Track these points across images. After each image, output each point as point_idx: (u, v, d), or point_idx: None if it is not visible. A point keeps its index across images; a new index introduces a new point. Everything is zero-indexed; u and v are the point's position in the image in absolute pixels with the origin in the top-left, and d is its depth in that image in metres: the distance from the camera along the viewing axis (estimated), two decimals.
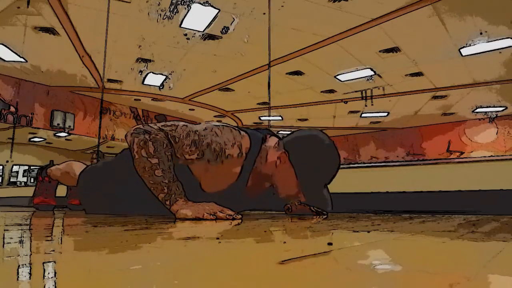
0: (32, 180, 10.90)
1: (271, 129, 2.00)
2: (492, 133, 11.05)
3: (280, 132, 11.41)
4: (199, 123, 1.47)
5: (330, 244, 0.63)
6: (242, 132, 1.45)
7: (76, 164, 2.06)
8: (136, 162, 1.32)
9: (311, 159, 1.42)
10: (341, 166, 2.11)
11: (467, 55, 6.86)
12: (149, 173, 1.30)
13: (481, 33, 6.03)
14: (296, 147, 1.44)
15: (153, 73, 8.09)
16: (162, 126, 1.38)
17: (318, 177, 1.44)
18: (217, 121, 1.48)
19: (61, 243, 0.70)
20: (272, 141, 1.49)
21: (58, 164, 2.24)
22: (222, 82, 8.70)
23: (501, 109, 10.28)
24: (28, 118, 8.63)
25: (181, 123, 1.42)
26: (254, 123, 11.90)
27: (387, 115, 11.05)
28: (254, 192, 1.49)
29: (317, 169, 1.42)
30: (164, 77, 8.37)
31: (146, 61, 7.49)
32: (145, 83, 8.67)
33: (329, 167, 1.45)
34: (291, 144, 1.46)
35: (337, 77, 8.28)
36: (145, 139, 1.31)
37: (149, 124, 1.39)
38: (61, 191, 2.38)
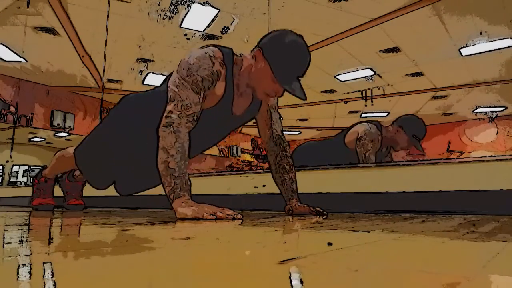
0: (32, 180, 10.89)
1: None
2: (492, 133, 11.05)
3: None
4: (183, 64, 1.48)
5: (330, 244, 0.63)
6: (213, 48, 1.50)
7: (65, 150, 2.08)
8: (160, 151, 1.37)
9: (283, 49, 1.47)
10: (341, 166, 2.11)
11: (467, 55, 6.86)
12: (165, 165, 1.34)
13: (481, 33, 6.03)
14: (269, 42, 1.50)
15: (153, 73, 8.09)
16: (179, 113, 1.41)
17: (291, 66, 1.48)
18: (199, 48, 1.52)
19: (61, 243, 0.70)
20: (246, 54, 1.57)
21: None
22: None
23: (501, 109, 10.28)
24: (28, 118, 8.63)
25: (184, 95, 1.43)
26: (254, 123, 11.89)
27: (387, 115, 11.04)
28: (240, 105, 1.58)
29: (290, 59, 1.47)
30: (164, 77, 8.37)
31: (146, 61, 7.49)
32: (145, 83, 8.67)
33: (301, 57, 1.50)
34: (264, 41, 1.51)
35: (337, 77, 8.28)
36: (170, 131, 1.37)
37: (171, 116, 1.40)
38: (61, 191, 2.38)
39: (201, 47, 1.52)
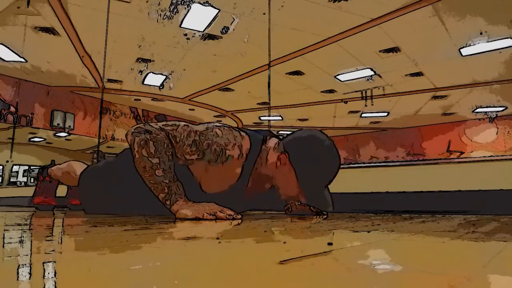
0: (32, 180, 10.90)
1: (271, 129, 2.00)
2: (492, 133, 11.05)
3: (280, 132, 11.42)
4: (200, 124, 1.47)
5: (330, 244, 0.63)
6: (243, 133, 1.45)
7: (77, 164, 2.06)
8: (137, 161, 1.32)
9: (311, 160, 1.41)
10: (341, 166, 2.11)
11: (467, 55, 6.86)
12: (149, 173, 1.30)
13: (481, 33, 6.03)
14: (296, 148, 1.44)
15: (153, 73, 8.09)
16: (163, 125, 1.38)
17: (318, 178, 1.43)
18: (217, 121, 1.46)
19: (61, 243, 0.70)
20: (272, 142, 1.49)
21: (59, 164, 2.25)
22: (222, 82, 8.70)
23: (501, 109, 10.28)
24: (28, 118, 8.63)
25: (182, 123, 1.42)
26: (254, 123, 11.90)
27: (387, 115, 11.05)
28: (254, 193, 1.49)
29: (317, 170, 1.42)
30: (164, 77, 8.37)
31: (146, 61, 7.49)
32: (145, 83, 8.67)
33: (329, 168, 1.45)
34: (291, 145, 1.45)
35: (337, 77, 8.28)
36: (146, 139, 1.31)
37: (150, 124, 1.38)
38: (61, 191, 2.38)
39: (236, 128, 1.45)
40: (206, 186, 1.43)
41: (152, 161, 1.29)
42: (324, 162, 1.44)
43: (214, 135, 1.37)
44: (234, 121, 11.77)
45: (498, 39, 6.22)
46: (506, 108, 10.17)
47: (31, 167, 11.44)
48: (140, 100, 10.11)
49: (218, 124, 1.45)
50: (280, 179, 1.44)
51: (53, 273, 0.40)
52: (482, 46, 6.45)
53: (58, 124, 9.12)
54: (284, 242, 0.74)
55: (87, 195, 1.85)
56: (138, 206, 1.51)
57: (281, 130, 11.84)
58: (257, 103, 9.99)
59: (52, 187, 2.29)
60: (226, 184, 1.43)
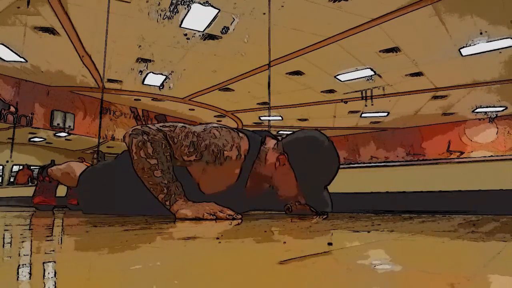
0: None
1: (271, 129, 2.00)
2: (492, 133, 11.06)
3: (280, 132, 11.42)
4: (199, 124, 1.47)
5: (330, 244, 0.63)
6: (241, 134, 1.44)
7: (76, 165, 2.06)
8: (135, 163, 1.32)
9: (310, 160, 1.41)
10: (341, 166, 2.10)
11: (467, 55, 6.86)
12: (148, 174, 1.29)
13: (481, 33, 6.03)
14: (295, 149, 1.43)
15: (153, 73, 8.09)
16: (160, 126, 1.38)
17: (318, 178, 1.43)
18: (216, 122, 1.45)
19: (61, 243, 0.70)
20: (271, 143, 1.49)
21: (59, 164, 2.25)
22: (222, 82, 8.70)
23: (501, 109, 10.29)
24: (28, 118, 8.64)
25: (180, 124, 1.41)
26: (254, 123, 11.90)
27: (387, 115, 11.05)
28: (253, 193, 1.48)
29: (317, 171, 1.41)
30: (164, 77, 8.38)
31: (146, 61, 7.49)
32: (145, 83, 8.68)
33: (328, 169, 1.44)
34: (290, 146, 1.45)
35: (337, 77, 8.29)
36: (144, 140, 1.31)
37: (148, 125, 1.38)
38: (61, 191, 2.38)
39: (234, 130, 1.44)
40: (205, 187, 1.43)
41: (150, 162, 1.29)
42: (323, 163, 1.43)
43: (212, 136, 1.37)
44: (234, 121, 11.77)
45: (498, 39, 6.22)
46: (506, 108, 10.17)
47: (31, 167, 11.44)
48: (140, 100, 10.12)
49: (216, 125, 1.44)
50: (279, 180, 1.43)
51: (53, 273, 0.40)
52: (482, 46, 6.45)
53: (58, 124, 9.12)
54: (284, 242, 0.74)
55: (86, 196, 1.85)
56: (137, 207, 1.51)
57: (281, 130, 11.84)
58: (257, 103, 10.00)
59: (52, 187, 2.29)
60: (224, 184, 1.42)
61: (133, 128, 1.36)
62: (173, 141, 1.35)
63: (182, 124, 1.41)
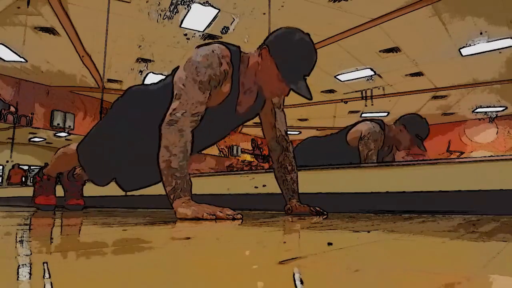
0: (32, 180, 10.88)
1: None
2: (492, 133, 11.06)
3: None
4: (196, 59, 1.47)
5: (330, 244, 0.63)
6: (220, 46, 1.48)
7: (67, 147, 2.08)
8: (161, 152, 1.35)
9: (290, 48, 1.45)
10: (341, 166, 2.10)
11: (467, 55, 6.86)
12: (166, 164, 1.33)
13: (481, 33, 6.03)
14: (275, 40, 1.48)
15: (153, 73, 8.09)
16: (183, 112, 1.39)
17: (297, 64, 1.46)
18: (204, 44, 1.49)
19: (61, 243, 0.70)
20: (252, 50, 1.56)
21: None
22: None
23: (501, 109, 10.29)
24: (28, 118, 8.64)
25: (190, 94, 1.42)
26: (254, 123, 11.89)
27: (387, 115, 11.05)
28: (244, 104, 1.57)
29: (296, 56, 1.45)
30: (164, 77, 8.37)
31: (146, 61, 7.49)
32: (145, 83, 8.67)
33: (307, 55, 1.48)
34: (270, 39, 1.50)
35: (337, 77, 8.29)
36: (174, 131, 1.36)
37: (175, 113, 1.38)
38: (61, 191, 2.38)
39: (207, 44, 1.51)
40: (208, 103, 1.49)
41: (172, 151, 1.33)
42: (302, 51, 1.47)
43: (207, 66, 1.41)
44: None
45: (498, 39, 6.22)
46: (506, 108, 10.17)
47: (31, 167, 11.44)
48: None
49: (202, 52, 1.46)
50: (263, 75, 1.49)
51: (53, 273, 0.40)
52: (482, 46, 6.45)
53: (58, 124, 9.12)
54: (284, 242, 0.74)
55: (91, 162, 1.85)
56: (144, 162, 1.56)
57: None
58: None
59: (51, 185, 2.29)
60: (221, 98, 1.49)
61: (171, 113, 1.38)
62: (198, 116, 1.40)
63: (193, 101, 1.42)
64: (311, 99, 1.46)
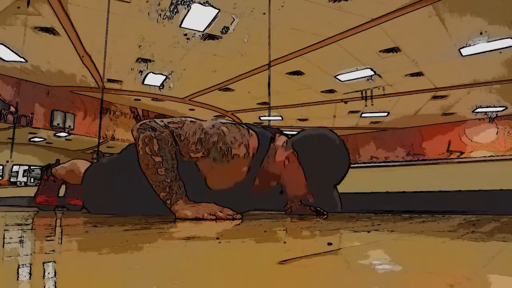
0: (32, 180, 10.89)
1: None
2: (492, 133, 11.05)
3: None
4: (207, 120, 1.45)
5: (330, 244, 0.63)
6: (251, 131, 1.42)
7: (81, 162, 2.05)
8: (140, 158, 1.32)
9: (320, 159, 1.38)
10: None
11: (467, 55, 6.86)
12: (152, 171, 1.30)
13: (481, 33, 6.03)
14: (305, 147, 1.41)
15: (153, 73, 8.09)
16: (168, 123, 1.37)
17: (327, 177, 1.40)
18: (225, 118, 1.44)
19: (61, 243, 0.70)
20: (280, 141, 1.47)
21: (63, 163, 2.24)
22: (222, 82, 8.70)
23: (501, 109, 10.28)
24: (28, 118, 8.63)
25: (188, 120, 1.40)
26: (254, 123, 11.84)
27: (387, 115, 11.05)
28: (260, 191, 1.47)
29: (327, 170, 1.38)
30: (164, 77, 8.37)
31: (146, 61, 7.49)
32: (145, 83, 8.67)
33: (339, 168, 1.41)
34: (300, 144, 1.42)
35: (337, 77, 8.28)
36: (150, 136, 1.31)
37: (156, 120, 1.37)
38: (61, 191, 2.38)
39: (243, 125, 1.43)
40: (211, 183, 1.41)
41: (155, 159, 1.29)
42: (333, 161, 1.40)
43: (220, 133, 1.35)
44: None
45: (498, 39, 6.22)
46: (506, 108, 10.17)
47: (31, 167, 11.44)
48: (140, 100, 10.11)
49: (225, 121, 1.42)
50: (288, 178, 1.41)
51: (53, 273, 0.40)
52: (482, 46, 6.45)
53: (58, 124, 9.12)
54: (284, 242, 0.74)
55: (89, 193, 1.84)
56: (143, 203, 1.50)
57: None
58: (257, 103, 9.99)
59: (56, 187, 2.28)
60: (232, 181, 1.41)
61: (142, 123, 1.36)
62: (179, 138, 1.34)
63: (191, 119, 1.40)
64: (341, 209, 1.40)
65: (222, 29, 6.14)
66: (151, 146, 1.30)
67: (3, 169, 10.79)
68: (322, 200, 1.42)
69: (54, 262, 0.46)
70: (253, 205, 1.61)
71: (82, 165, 1.99)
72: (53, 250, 0.57)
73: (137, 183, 1.39)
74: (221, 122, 1.41)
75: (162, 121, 1.37)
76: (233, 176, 1.40)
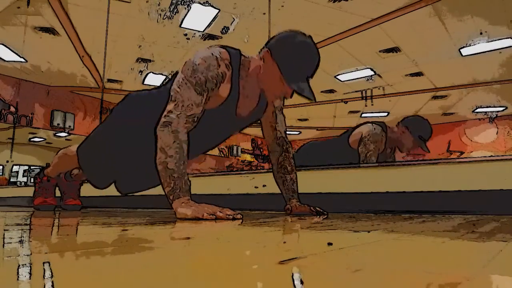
0: (32, 180, 10.89)
1: None
2: (492, 133, 11.05)
3: None
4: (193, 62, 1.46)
5: (330, 244, 0.63)
6: (220, 49, 1.49)
7: (67, 148, 2.09)
8: (157, 154, 1.36)
9: (292, 48, 1.45)
10: (341, 166, 2.11)
11: (467, 55, 6.86)
12: (163, 165, 1.33)
13: (481, 33, 6.03)
14: (277, 43, 1.48)
15: (153, 73, 8.09)
16: (180, 112, 1.39)
17: (300, 66, 1.45)
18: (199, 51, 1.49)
19: (61, 243, 0.70)
20: (251, 55, 1.56)
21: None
22: None
23: (501, 109, 10.28)
24: (28, 118, 8.63)
25: (185, 96, 1.41)
26: (258, 123, 11.86)
27: (387, 115, 11.04)
28: (245, 107, 1.56)
29: (299, 58, 1.44)
30: (164, 77, 8.37)
31: (146, 61, 7.49)
32: (145, 83, 8.67)
33: (310, 58, 1.47)
34: (273, 41, 1.50)
35: (337, 77, 8.28)
36: (167, 132, 1.36)
37: (170, 115, 1.38)
38: (59, 192, 2.38)
39: (208, 47, 1.51)
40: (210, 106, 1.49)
41: (168, 153, 1.33)
42: (305, 51, 1.46)
43: (206, 69, 1.41)
44: None
45: (498, 39, 6.21)
46: (506, 108, 10.16)
47: (31, 167, 11.43)
48: None
49: (201, 55, 1.45)
50: (265, 78, 1.48)
51: (53, 273, 0.40)
52: (482, 46, 6.45)
53: (58, 124, 9.11)
54: (284, 242, 0.74)
55: (90, 165, 1.86)
56: (140, 166, 1.59)
57: None
58: None
59: (51, 186, 2.29)
60: (220, 100, 1.49)
61: (165, 115, 1.39)
62: (193, 118, 1.40)
63: (188, 103, 1.41)
64: (314, 100, 1.45)
65: (222, 29, 6.14)
66: (167, 140, 1.34)
67: (3, 169, 10.79)
68: (296, 87, 1.43)
69: (54, 262, 0.46)
70: (241, 125, 1.69)
71: (71, 148, 2.03)
72: (53, 250, 0.57)
73: (136, 141, 1.50)
74: (199, 59, 1.44)
75: (180, 116, 1.39)
76: (222, 93, 1.49)
